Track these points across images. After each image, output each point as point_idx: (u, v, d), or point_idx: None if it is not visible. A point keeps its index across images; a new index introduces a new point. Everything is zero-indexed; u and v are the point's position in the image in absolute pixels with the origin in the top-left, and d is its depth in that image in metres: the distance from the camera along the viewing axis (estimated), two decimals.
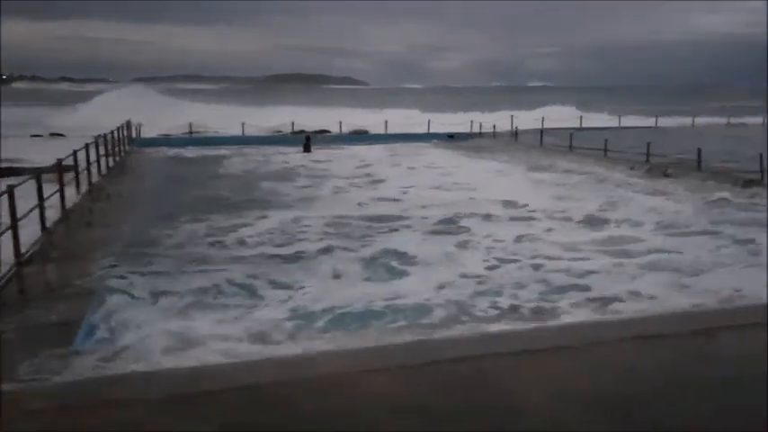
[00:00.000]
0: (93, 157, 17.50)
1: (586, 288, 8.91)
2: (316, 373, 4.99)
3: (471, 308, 8.00)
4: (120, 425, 4.11)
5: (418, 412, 4.22)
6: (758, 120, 49.73)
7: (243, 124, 37.13)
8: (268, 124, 39.99)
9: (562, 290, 8.83)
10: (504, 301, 8.24)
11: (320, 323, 7.58)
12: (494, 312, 7.77)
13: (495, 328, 6.87)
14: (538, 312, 7.60)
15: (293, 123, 39.61)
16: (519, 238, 12.12)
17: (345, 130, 39.34)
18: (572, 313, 7.25)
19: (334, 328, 7.29)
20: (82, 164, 16.00)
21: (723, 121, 49.73)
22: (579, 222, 13.82)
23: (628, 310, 7.43)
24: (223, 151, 30.14)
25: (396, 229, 13.21)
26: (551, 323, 7.08)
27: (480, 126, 39.16)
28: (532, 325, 7.10)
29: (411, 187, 18.96)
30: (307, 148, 30.85)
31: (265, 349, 6.24)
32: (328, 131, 39.55)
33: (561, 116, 48.62)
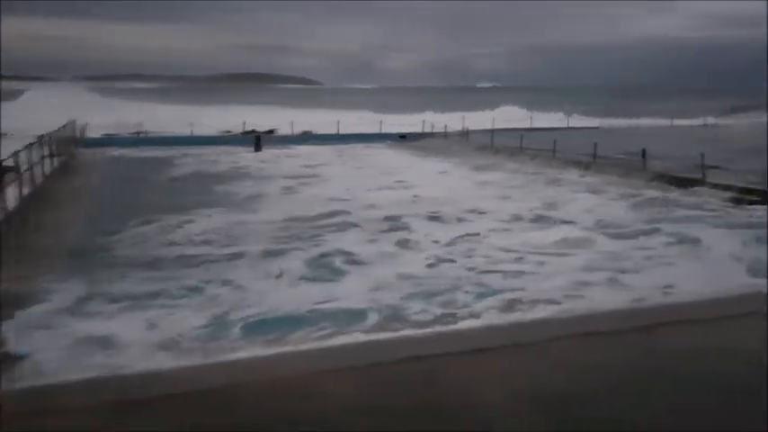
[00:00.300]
0: (36, 158, 17.01)
1: (521, 289, 8.96)
2: (267, 375, 4.99)
3: (404, 311, 7.96)
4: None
5: (370, 413, 4.27)
6: (698, 121, 51.50)
7: (192, 124, 36.59)
8: (218, 124, 39.52)
9: (497, 291, 8.85)
10: (436, 306, 8.18)
11: (235, 330, 7.42)
12: (427, 317, 7.72)
13: (446, 327, 6.91)
14: (472, 315, 7.62)
15: (244, 123, 39.22)
16: (460, 239, 12.22)
17: (297, 130, 39.14)
18: (503, 316, 7.30)
19: (254, 335, 7.15)
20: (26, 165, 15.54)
21: (668, 122, 51.07)
22: (521, 222, 14.00)
23: (561, 309, 7.53)
24: (172, 152, 29.59)
25: (342, 229, 13.24)
26: (501, 321, 7.19)
27: (432, 127, 39.49)
28: (483, 323, 7.18)
29: (360, 187, 18.98)
30: (257, 148, 30.65)
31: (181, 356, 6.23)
32: (279, 132, 39.27)
33: (512, 117, 49.42)
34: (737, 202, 15.63)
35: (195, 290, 8.98)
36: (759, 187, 16.20)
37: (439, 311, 7.87)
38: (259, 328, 7.40)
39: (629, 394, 4.62)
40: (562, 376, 4.92)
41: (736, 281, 9.21)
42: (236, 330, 7.35)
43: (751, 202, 15.35)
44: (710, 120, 51.84)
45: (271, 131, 38.86)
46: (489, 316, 7.39)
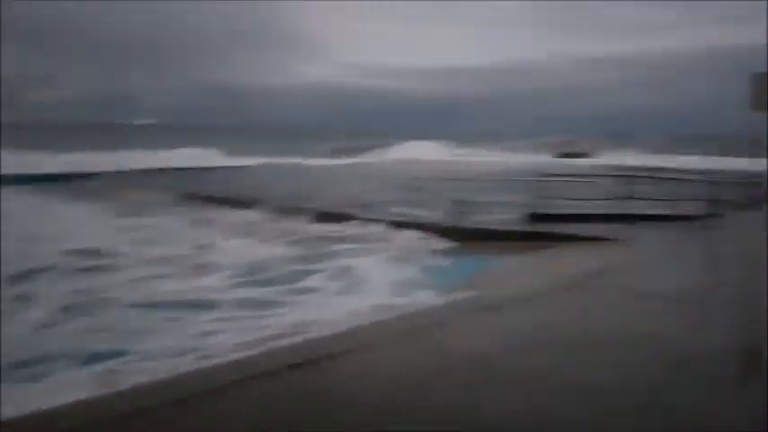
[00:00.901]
0: None
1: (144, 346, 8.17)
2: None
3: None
4: None
5: None
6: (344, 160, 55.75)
7: None
8: None
9: (134, 352, 7.95)
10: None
11: None
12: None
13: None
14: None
15: None
16: (91, 289, 11.02)
17: None
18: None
19: None
20: None
21: (327, 161, 54.40)
22: (169, 268, 12.94)
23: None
24: None
25: None
26: (150, 381, 6.19)
27: (85, 167, 35.90)
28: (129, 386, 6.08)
29: None
30: None
31: None
32: None
33: (181, 157, 47.96)
34: (395, 230, 16.82)
35: None
36: (406, 219, 17.97)
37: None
38: None
39: None
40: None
41: (382, 303, 9.68)
42: None
43: (407, 230, 16.71)
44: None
45: None
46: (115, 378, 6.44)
